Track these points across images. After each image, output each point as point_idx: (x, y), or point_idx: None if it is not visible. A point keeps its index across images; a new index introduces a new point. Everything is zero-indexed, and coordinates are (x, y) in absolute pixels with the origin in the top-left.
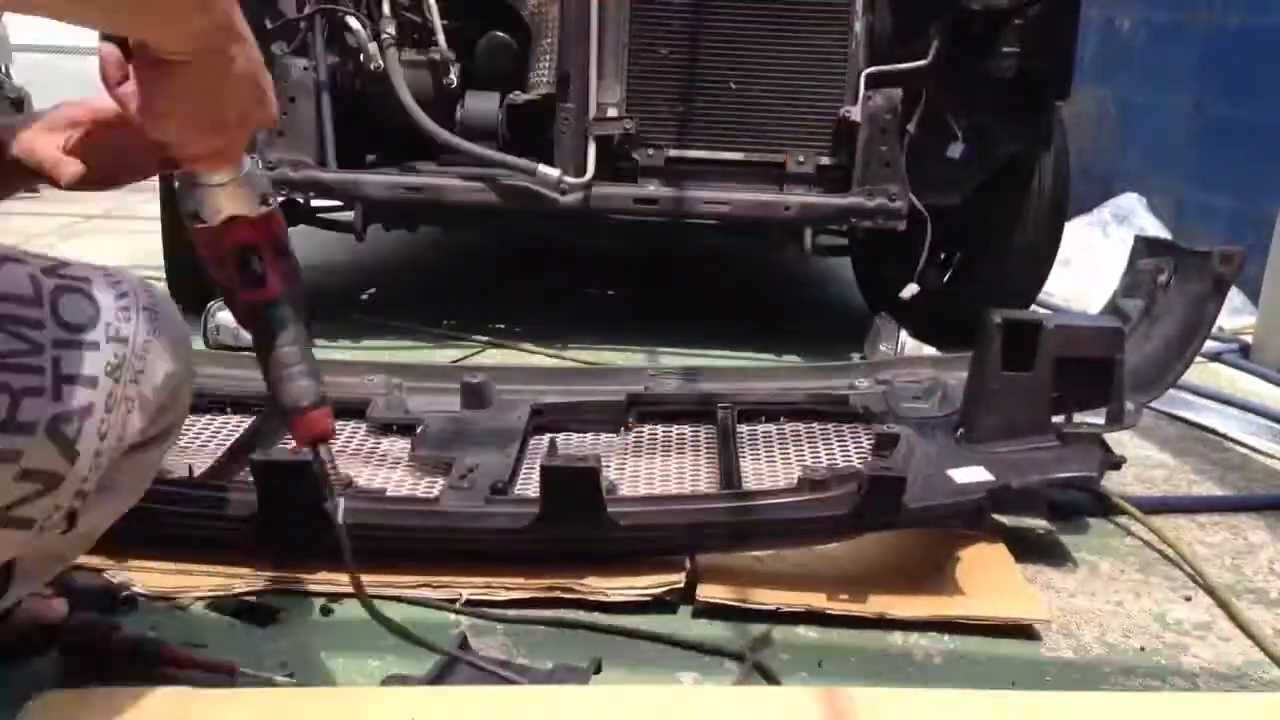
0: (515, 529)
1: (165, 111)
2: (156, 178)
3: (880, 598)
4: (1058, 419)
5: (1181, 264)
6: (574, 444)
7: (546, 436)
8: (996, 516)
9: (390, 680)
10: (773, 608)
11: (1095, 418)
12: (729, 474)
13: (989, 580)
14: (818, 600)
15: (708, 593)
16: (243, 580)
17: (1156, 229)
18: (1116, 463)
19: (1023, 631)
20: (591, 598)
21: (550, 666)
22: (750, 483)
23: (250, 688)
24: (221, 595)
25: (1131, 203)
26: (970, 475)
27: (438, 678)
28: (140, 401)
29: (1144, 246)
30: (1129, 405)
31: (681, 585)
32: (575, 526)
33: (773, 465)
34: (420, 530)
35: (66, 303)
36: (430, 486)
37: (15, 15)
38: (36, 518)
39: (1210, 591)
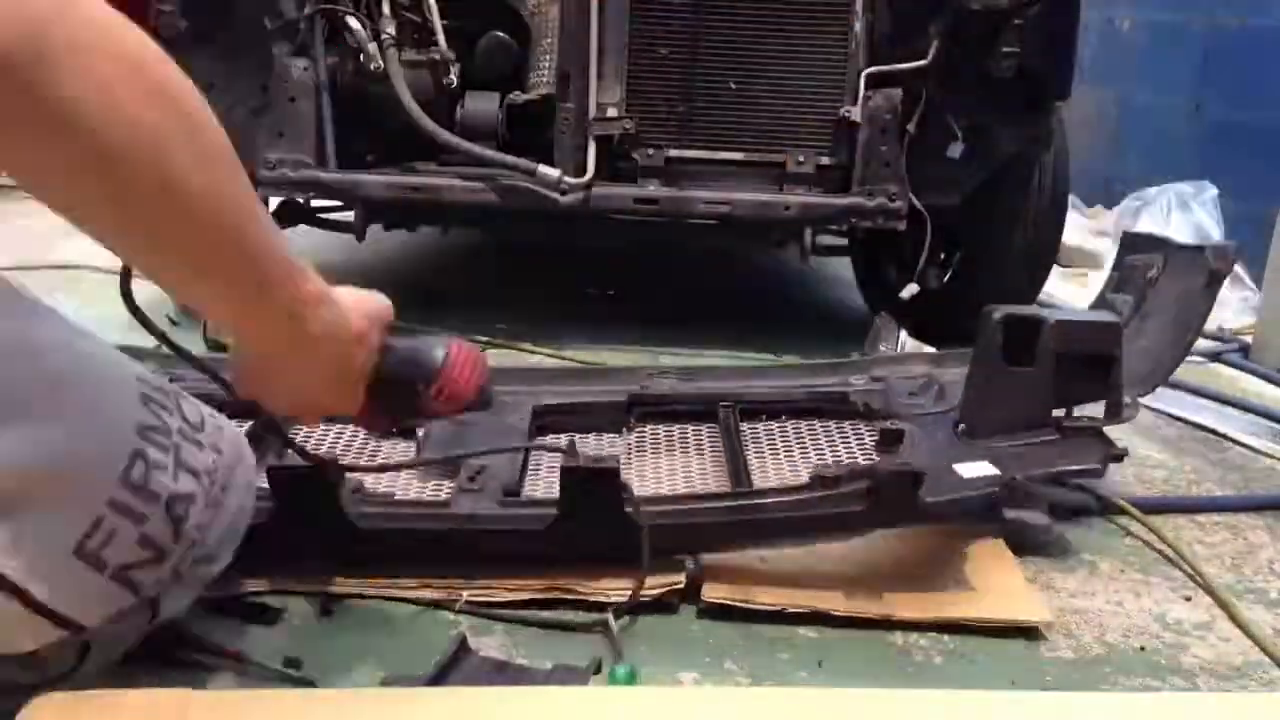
0: (534, 531)
1: (254, 392)
2: None
3: (883, 599)
4: (1057, 413)
5: (1172, 260)
6: (577, 444)
7: (549, 437)
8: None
9: (390, 680)
10: (778, 608)
11: (1093, 411)
12: (737, 472)
13: (991, 581)
14: (821, 601)
15: (711, 593)
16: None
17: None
18: (1119, 455)
19: (1023, 632)
20: (592, 598)
21: (550, 666)
22: (759, 480)
23: (250, 690)
24: (220, 595)
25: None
26: (976, 470)
27: (436, 678)
28: (218, 515)
29: (1132, 242)
30: (1126, 399)
31: (682, 586)
32: (594, 527)
33: (778, 462)
34: (434, 534)
35: (186, 403)
36: (437, 489)
37: None
38: (145, 582)
39: (1210, 591)
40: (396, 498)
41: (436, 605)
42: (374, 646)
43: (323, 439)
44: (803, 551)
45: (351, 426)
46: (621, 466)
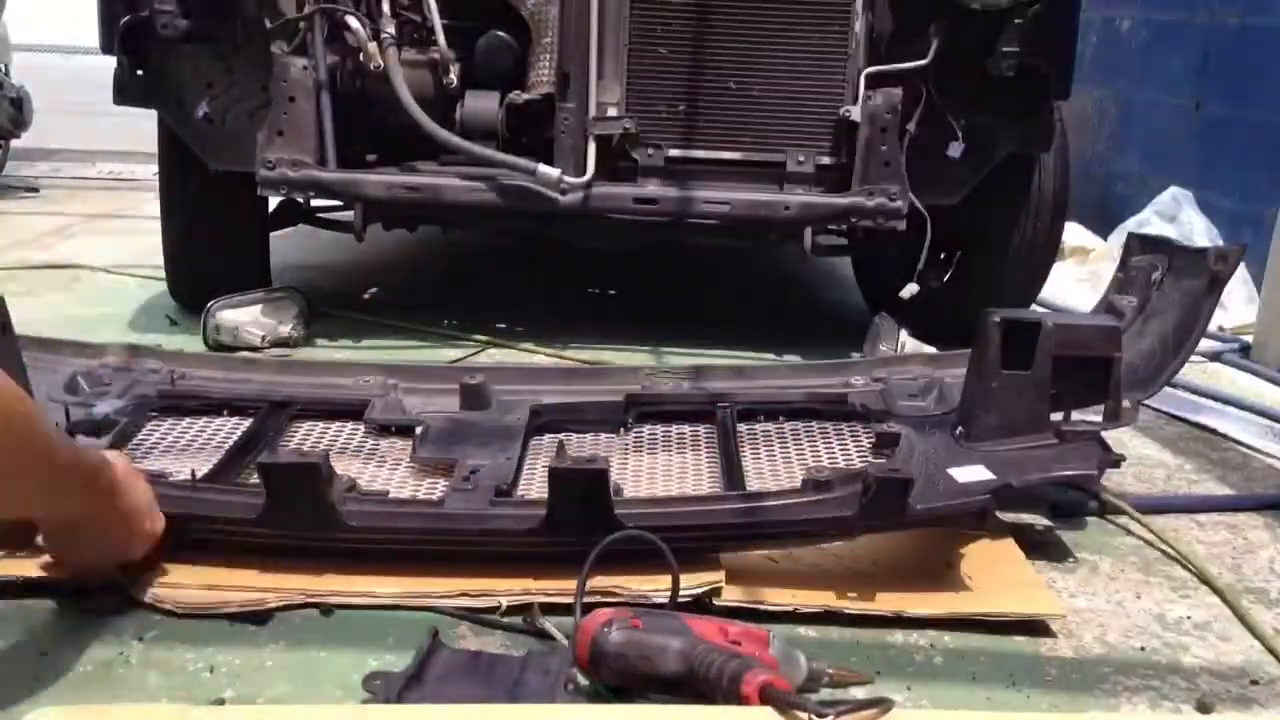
0: (521, 531)
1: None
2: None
3: (895, 596)
4: (1056, 417)
5: (1175, 261)
6: (573, 444)
7: (547, 437)
8: (997, 513)
9: (371, 678)
10: (790, 609)
11: (1093, 415)
12: (731, 473)
13: (1001, 577)
14: (833, 600)
15: (726, 595)
16: (275, 595)
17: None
18: (1115, 461)
19: (1025, 630)
20: (634, 601)
21: (524, 653)
22: (753, 482)
23: (243, 705)
24: (255, 609)
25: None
26: (971, 474)
27: (416, 672)
28: None
29: (1137, 244)
30: (1125, 403)
31: (722, 584)
32: (584, 528)
33: (774, 464)
34: (424, 533)
35: None
36: (432, 488)
37: (14, 13)
38: None
39: (1207, 583)
40: (390, 496)
41: (435, 608)
42: (373, 647)
43: (321, 437)
44: (813, 551)
45: (350, 425)
46: (616, 467)
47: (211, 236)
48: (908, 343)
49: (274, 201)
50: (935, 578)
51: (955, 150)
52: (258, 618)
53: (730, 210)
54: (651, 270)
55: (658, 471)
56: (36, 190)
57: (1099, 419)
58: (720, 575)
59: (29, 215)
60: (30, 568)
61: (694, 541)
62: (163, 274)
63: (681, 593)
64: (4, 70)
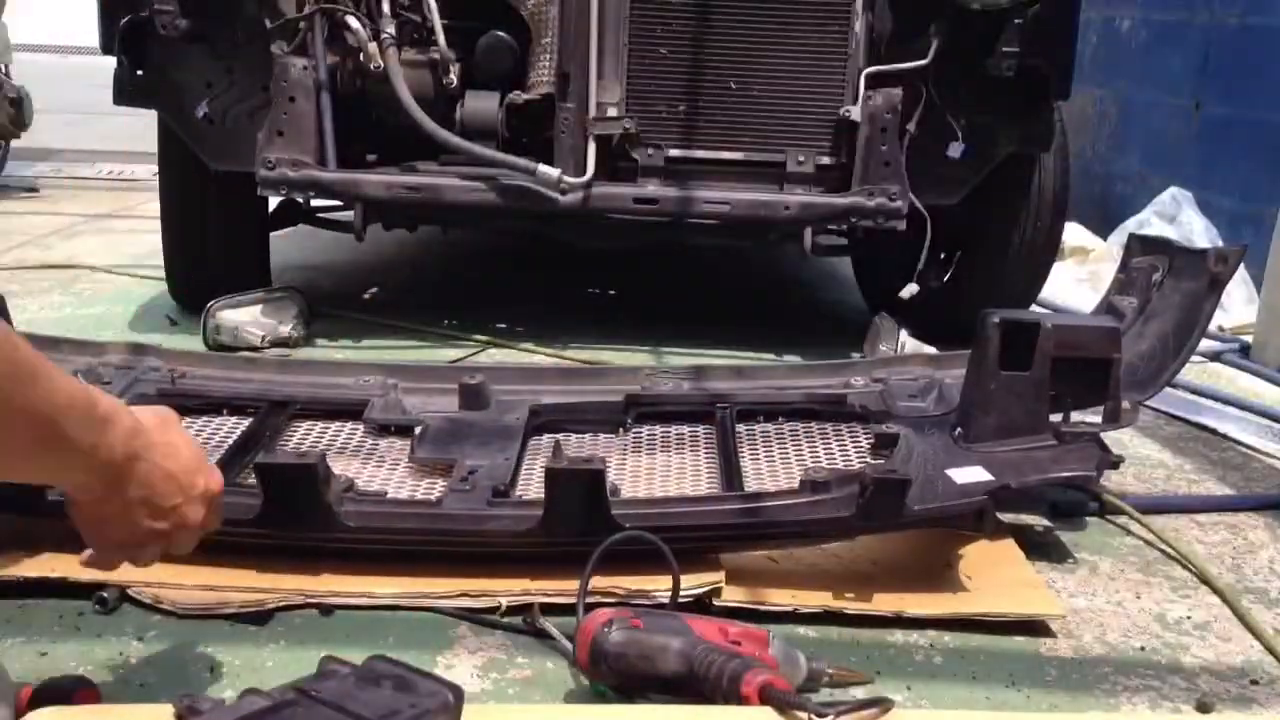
0: (519, 531)
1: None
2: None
3: (895, 596)
4: (1055, 418)
5: (1176, 262)
6: (572, 444)
7: (546, 437)
8: (997, 514)
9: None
10: (790, 609)
11: (1092, 416)
12: (729, 474)
13: (1001, 577)
14: (833, 600)
15: (727, 595)
16: (274, 595)
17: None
18: (1115, 462)
19: (1025, 630)
20: (635, 601)
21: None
22: (751, 483)
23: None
24: (255, 610)
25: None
26: (970, 475)
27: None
28: None
29: (1138, 245)
30: (1125, 404)
31: (722, 584)
32: (580, 528)
33: (772, 465)
34: (422, 533)
35: None
36: (430, 488)
37: (16, 14)
38: None
39: (1207, 583)
40: (388, 496)
41: (435, 609)
42: (373, 647)
43: (320, 437)
44: (813, 551)
45: (349, 425)
46: (615, 467)
47: (211, 236)
48: (908, 343)
49: (274, 201)
50: (935, 578)
51: (955, 150)
52: (258, 618)
53: (730, 210)
54: (651, 270)
55: (656, 472)
56: (36, 190)
57: (1098, 420)
58: (720, 575)
59: (29, 215)
60: (30, 568)
61: (693, 542)
62: (163, 274)
63: (682, 593)
64: (4, 70)
